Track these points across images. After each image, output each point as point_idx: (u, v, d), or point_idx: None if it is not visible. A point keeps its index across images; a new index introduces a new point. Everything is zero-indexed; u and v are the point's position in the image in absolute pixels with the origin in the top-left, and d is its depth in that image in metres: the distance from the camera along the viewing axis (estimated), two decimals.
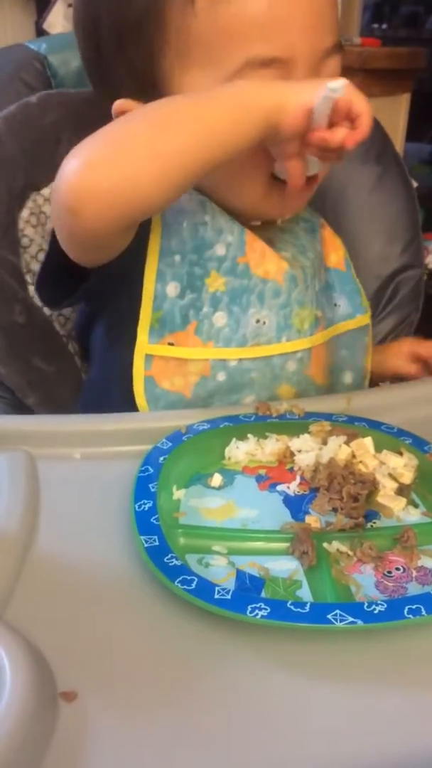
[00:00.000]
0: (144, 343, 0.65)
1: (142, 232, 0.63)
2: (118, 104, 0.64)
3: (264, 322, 0.67)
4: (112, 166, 0.54)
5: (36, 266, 0.78)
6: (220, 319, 0.66)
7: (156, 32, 0.60)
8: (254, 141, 0.57)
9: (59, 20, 1.49)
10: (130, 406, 0.66)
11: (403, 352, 0.82)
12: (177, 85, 0.62)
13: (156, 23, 0.60)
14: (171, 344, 0.66)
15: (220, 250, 0.66)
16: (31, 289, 0.77)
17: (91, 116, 0.77)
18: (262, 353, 0.67)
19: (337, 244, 0.78)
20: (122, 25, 0.62)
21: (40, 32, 1.52)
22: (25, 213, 0.77)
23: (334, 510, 0.54)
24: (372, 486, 0.55)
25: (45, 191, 0.78)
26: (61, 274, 0.64)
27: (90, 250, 0.61)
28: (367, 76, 1.82)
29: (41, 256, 0.78)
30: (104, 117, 0.77)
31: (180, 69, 0.61)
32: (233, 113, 0.56)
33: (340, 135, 0.56)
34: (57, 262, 0.63)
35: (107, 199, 0.54)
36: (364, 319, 0.76)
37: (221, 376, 0.66)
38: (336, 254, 0.77)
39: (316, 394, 0.71)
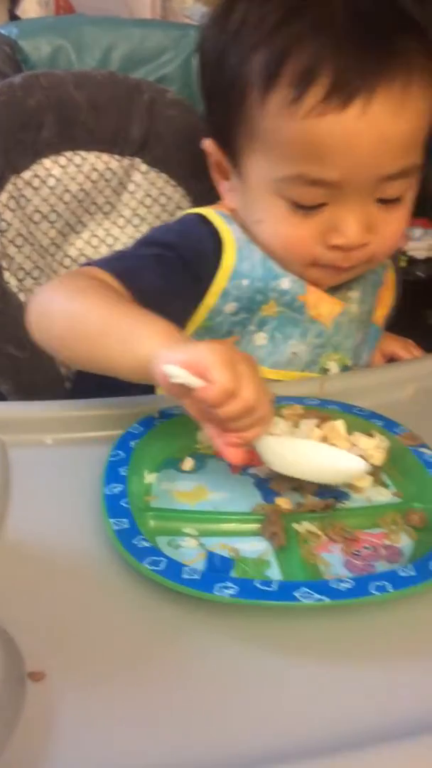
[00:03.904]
0: None
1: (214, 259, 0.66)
2: (206, 143, 0.69)
3: (298, 355, 0.70)
4: (42, 332, 0.59)
5: (13, 251, 0.77)
6: (261, 338, 0.69)
7: (236, 107, 0.63)
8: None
9: (33, 7, 1.48)
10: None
11: (381, 352, 0.83)
12: (245, 163, 0.65)
13: (237, 99, 0.62)
14: None
15: (285, 283, 0.67)
16: (6, 274, 0.76)
17: (76, 100, 0.77)
18: (286, 378, 0.70)
19: (387, 301, 0.79)
20: (215, 86, 0.65)
21: (14, 19, 1.51)
22: (3, 197, 0.75)
23: (295, 489, 0.54)
24: None
25: (25, 175, 0.77)
26: None
27: None
28: None
29: (19, 241, 0.77)
30: (88, 101, 0.77)
31: (248, 148, 0.64)
32: (125, 349, 0.52)
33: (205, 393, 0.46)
34: None
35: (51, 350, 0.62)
36: None
37: None
38: (381, 311, 0.78)
39: None
